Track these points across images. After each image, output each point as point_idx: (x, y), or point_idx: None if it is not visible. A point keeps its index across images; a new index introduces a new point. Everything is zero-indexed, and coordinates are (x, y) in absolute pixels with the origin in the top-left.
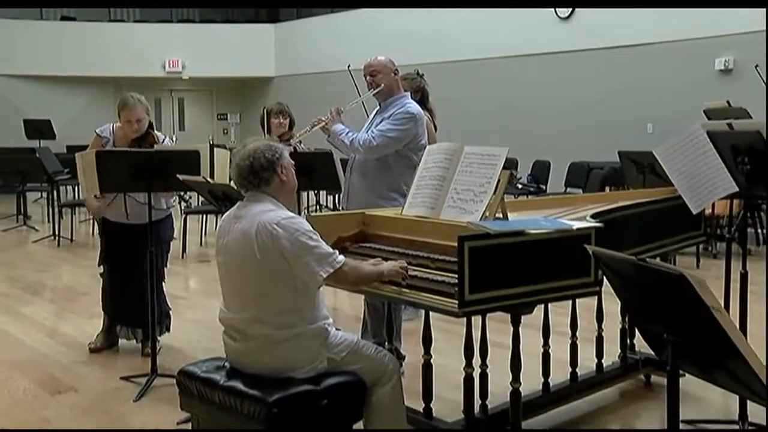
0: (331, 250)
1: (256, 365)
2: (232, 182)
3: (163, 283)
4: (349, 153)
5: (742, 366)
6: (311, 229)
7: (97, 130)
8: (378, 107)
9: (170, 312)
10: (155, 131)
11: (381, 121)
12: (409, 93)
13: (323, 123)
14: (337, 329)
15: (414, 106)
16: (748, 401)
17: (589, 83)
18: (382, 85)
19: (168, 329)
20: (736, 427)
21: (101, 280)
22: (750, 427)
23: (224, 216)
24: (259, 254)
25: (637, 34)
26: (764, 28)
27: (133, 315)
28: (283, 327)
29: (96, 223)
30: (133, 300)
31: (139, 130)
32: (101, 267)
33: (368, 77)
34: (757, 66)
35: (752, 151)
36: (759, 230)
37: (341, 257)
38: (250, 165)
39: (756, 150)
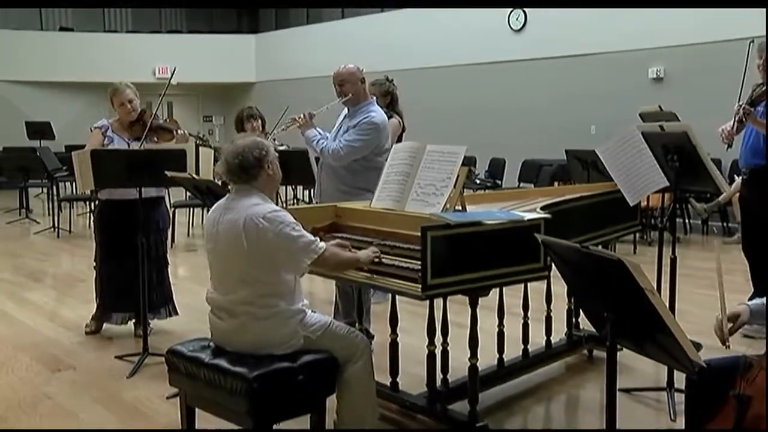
0: (312, 238)
1: (239, 342)
2: (216, 178)
3: (167, 270)
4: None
5: (670, 340)
6: (294, 220)
7: (94, 125)
8: (347, 111)
9: (174, 297)
10: (153, 114)
11: (348, 129)
12: (375, 99)
13: (296, 124)
14: (312, 311)
15: (378, 116)
16: (675, 370)
17: (539, 89)
18: (350, 95)
19: (176, 312)
20: (665, 393)
21: (94, 272)
22: (676, 392)
23: (214, 206)
24: (246, 244)
25: (581, 45)
26: (692, 42)
27: (125, 300)
28: (265, 307)
29: (92, 219)
30: (126, 285)
31: (134, 110)
32: (95, 262)
33: (337, 86)
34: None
35: (680, 150)
36: (687, 220)
37: (322, 244)
38: (240, 163)
39: (684, 149)
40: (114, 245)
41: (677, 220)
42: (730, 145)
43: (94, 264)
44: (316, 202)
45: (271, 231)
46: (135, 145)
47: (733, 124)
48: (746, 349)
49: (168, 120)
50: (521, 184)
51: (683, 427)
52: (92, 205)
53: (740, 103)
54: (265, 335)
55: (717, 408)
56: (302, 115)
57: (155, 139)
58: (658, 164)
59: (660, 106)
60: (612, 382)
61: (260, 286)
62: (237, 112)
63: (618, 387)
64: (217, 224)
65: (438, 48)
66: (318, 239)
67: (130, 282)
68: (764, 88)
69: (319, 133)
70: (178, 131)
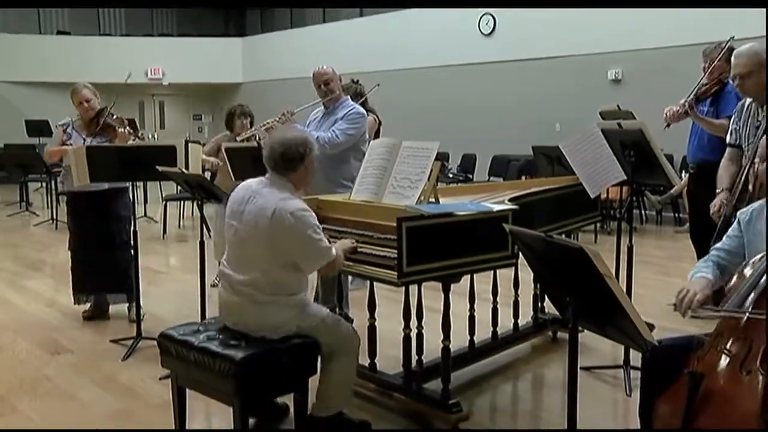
0: (328, 245)
1: (237, 318)
2: (205, 173)
3: (131, 255)
4: None
5: (626, 322)
6: (316, 223)
7: (58, 124)
8: (324, 110)
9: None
10: (109, 112)
11: (335, 122)
12: (349, 97)
13: (277, 122)
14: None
15: (360, 108)
16: (630, 349)
17: (507, 89)
18: (337, 91)
19: (133, 298)
20: (621, 370)
21: (71, 259)
22: (632, 369)
23: (242, 185)
24: (270, 233)
25: (546, 49)
26: (647, 47)
27: (90, 282)
28: (267, 293)
29: (66, 211)
30: (92, 268)
31: (91, 109)
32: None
33: (323, 85)
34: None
35: (636, 146)
36: (643, 211)
37: (334, 251)
38: (283, 152)
39: (639, 145)
40: (80, 232)
41: (634, 211)
42: (668, 125)
43: (69, 249)
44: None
45: (296, 229)
46: (90, 141)
47: (681, 105)
48: (697, 330)
49: (116, 118)
50: (491, 178)
51: (638, 401)
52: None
53: (688, 97)
54: (261, 319)
55: (668, 384)
56: (283, 113)
57: (105, 135)
58: (617, 159)
59: (618, 106)
60: (573, 361)
61: (269, 273)
62: (228, 108)
63: (579, 365)
64: (244, 204)
65: (413, 51)
66: (332, 246)
67: (93, 266)
68: (708, 86)
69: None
70: (119, 129)
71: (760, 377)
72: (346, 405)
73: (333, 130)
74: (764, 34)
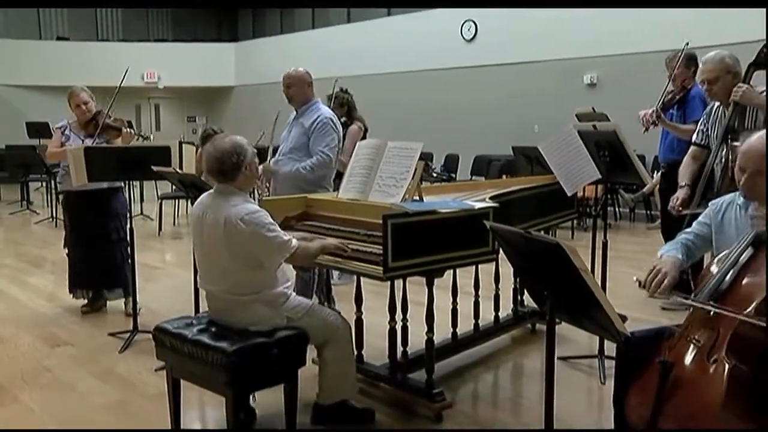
0: (287, 238)
1: (230, 318)
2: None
3: (128, 252)
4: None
5: (601, 314)
6: (270, 221)
7: (56, 126)
8: (296, 112)
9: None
10: (107, 114)
11: (302, 129)
12: (319, 99)
13: (265, 178)
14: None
15: (327, 112)
16: (605, 340)
17: (488, 92)
18: (302, 95)
19: (128, 293)
20: (596, 360)
21: (67, 255)
22: (606, 359)
23: (197, 201)
24: (227, 242)
25: (525, 54)
26: (621, 53)
27: (85, 277)
28: (246, 294)
29: (63, 209)
30: (87, 264)
31: (88, 111)
32: (66, 248)
33: (285, 87)
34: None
35: (610, 147)
36: (617, 209)
37: (294, 242)
38: (219, 167)
39: (613, 146)
40: (77, 229)
41: (608, 208)
42: (646, 129)
43: (64, 246)
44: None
45: (249, 232)
46: (89, 142)
47: (652, 113)
48: (668, 321)
49: (116, 119)
50: (473, 177)
51: (612, 389)
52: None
53: (657, 104)
54: (249, 316)
55: (640, 372)
56: (261, 172)
57: (105, 136)
58: (592, 159)
59: (593, 108)
60: (551, 352)
61: (241, 277)
62: (202, 132)
63: (556, 356)
64: (201, 221)
65: (399, 55)
66: (291, 238)
67: (90, 262)
68: (675, 93)
69: (285, 150)
70: (124, 129)
71: (725, 365)
72: (351, 393)
73: (316, 151)
74: (718, 42)
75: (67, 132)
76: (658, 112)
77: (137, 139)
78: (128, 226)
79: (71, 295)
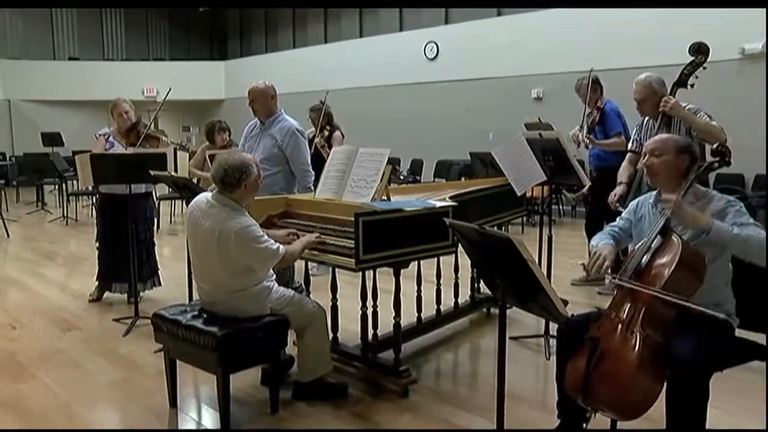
0: (275, 246)
1: (218, 309)
2: (190, 176)
3: (154, 250)
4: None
5: (546, 299)
6: (260, 233)
7: (98, 133)
8: (261, 125)
9: (159, 271)
10: (145, 124)
11: (274, 141)
12: (282, 110)
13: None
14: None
15: (291, 122)
16: (549, 321)
17: (449, 104)
18: (265, 108)
19: (159, 283)
20: (542, 339)
21: (96, 252)
22: (550, 338)
23: (194, 202)
24: (218, 251)
25: (480, 71)
26: (563, 71)
27: (119, 273)
28: (235, 291)
29: (94, 209)
30: (119, 262)
31: (129, 120)
32: (98, 243)
33: (249, 101)
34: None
35: (554, 152)
36: (560, 207)
37: (282, 249)
38: (222, 177)
39: (556, 151)
40: (110, 230)
41: (553, 206)
42: (578, 146)
43: (96, 244)
44: None
45: (241, 246)
46: (131, 150)
47: (584, 138)
48: (601, 305)
49: (156, 130)
50: (436, 179)
51: (555, 363)
52: (94, 198)
53: (584, 131)
54: (237, 308)
55: (578, 348)
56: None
57: (147, 145)
58: (538, 163)
59: (539, 119)
60: (503, 332)
61: (229, 279)
62: (208, 124)
63: (508, 336)
64: (196, 225)
65: (370, 72)
66: (279, 245)
67: (122, 259)
68: (594, 115)
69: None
70: (163, 138)
71: (640, 335)
72: (327, 370)
73: (299, 170)
74: (647, 64)
75: (111, 139)
76: (588, 138)
77: (178, 148)
78: (154, 227)
79: (101, 291)
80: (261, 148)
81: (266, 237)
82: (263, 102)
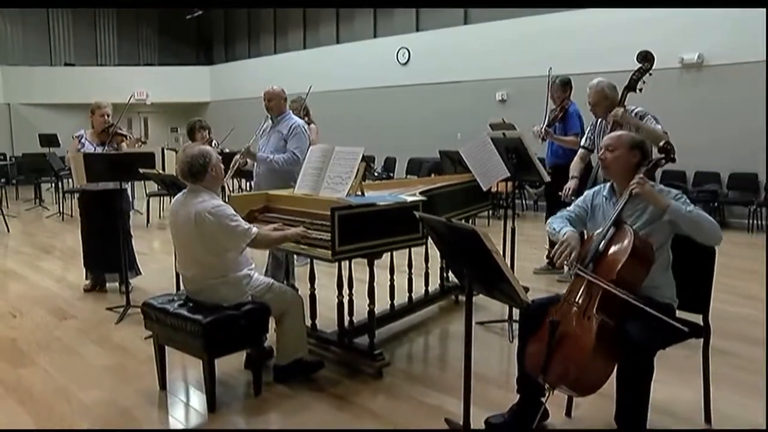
0: (247, 226)
1: (202, 298)
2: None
3: (132, 241)
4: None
5: (508, 286)
6: (233, 212)
7: (74, 134)
8: (272, 122)
9: (137, 261)
10: (117, 126)
11: (280, 134)
12: (291, 111)
13: (241, 159)
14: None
15: (300, 121)
16: (512, 307)
17: (420, 106)
18: (280, 108)
19: (139, 272)
20: (506, 323)
21: (82, 244)
22: (513, 322)
23: (175, 200)
24: (198, 233)
25: (449, 75)
26: (525, 75)
27: (99, 263)
28: (216, 277)
29: (79, 206)
30: (100, 253)
31: (107, 122)
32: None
33: (266, 101)
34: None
35: (517, 151)
36: (523, 201)
37: (254, 229)
38: (189, 168)
39: (519, 150)
40: (90, 223)
41: (516, 201)
42: (543, 139)
43: (81, 237)
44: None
45: (215, 223)
46: (100, 149)
47: (542, 129)
48: (559, 291)
49: (123, 129)
50: (407, 176)
51: (517, 345)
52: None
53: (544, 123)
54: (219, 295)
55: (537, 330)
56: (242, 151)
57: (114, 142)
58: (502, 160)
59: (503, 119)
60: (469, 318)
61: (210, 262)
62: (189, 123)
63: (474, 321)
64: (176, 216)
65: (346, 76)
66: (252, 226)
67: (102, 251)
68: (557, 112)
69: (265, 153)
70: (129, 136)
71: (595, 320)
72: (304, 352)
73: (290, 152)
74: (604, 70)
75: (83, 140)
76: (546, 130)
77: (138, 144)
78: (130, 222)
79: (95, 282)
80: (270, 143)
81: (239, 217)
82: (278, 102)
